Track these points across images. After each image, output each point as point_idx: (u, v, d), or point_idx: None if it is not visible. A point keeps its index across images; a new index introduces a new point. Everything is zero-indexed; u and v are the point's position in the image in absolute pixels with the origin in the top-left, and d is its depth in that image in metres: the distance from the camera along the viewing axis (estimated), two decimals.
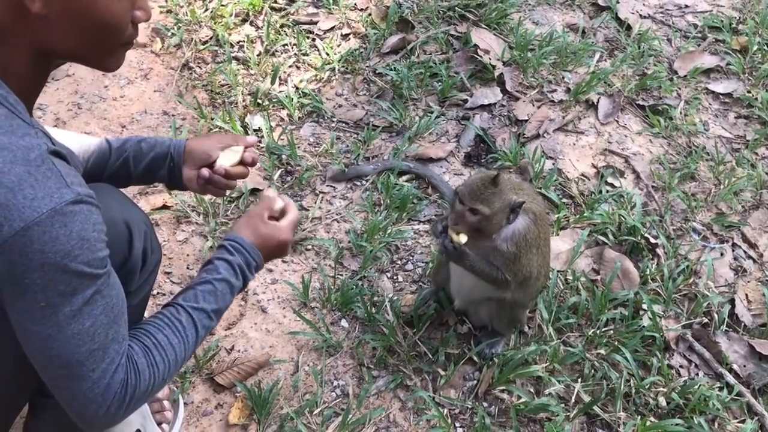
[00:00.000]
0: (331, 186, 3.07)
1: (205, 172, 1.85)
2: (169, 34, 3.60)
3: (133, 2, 1.42)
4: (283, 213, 1.84)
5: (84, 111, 3.25)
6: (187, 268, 2.70)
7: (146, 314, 2.43)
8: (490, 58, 3.57)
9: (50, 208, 1.25)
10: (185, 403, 2.33)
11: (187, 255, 2.75)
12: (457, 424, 2.36)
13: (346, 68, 3.56)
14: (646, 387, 2.45)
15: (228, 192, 2.09)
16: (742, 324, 2.71)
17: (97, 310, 1.36)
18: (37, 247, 1.25)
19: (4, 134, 1.28)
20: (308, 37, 3.69)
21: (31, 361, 1.40)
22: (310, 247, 2.81)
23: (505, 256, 2.19)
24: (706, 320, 2.71)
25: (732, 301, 2.76)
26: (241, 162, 1.88)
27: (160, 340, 1.52)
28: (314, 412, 2.33)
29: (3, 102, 1.31)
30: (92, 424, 1.43)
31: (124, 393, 1.43)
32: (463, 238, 2.14)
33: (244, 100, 3.35)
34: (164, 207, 2.88)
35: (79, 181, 1.34)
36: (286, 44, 3.63)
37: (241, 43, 3.62)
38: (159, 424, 2.20)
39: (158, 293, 2.61)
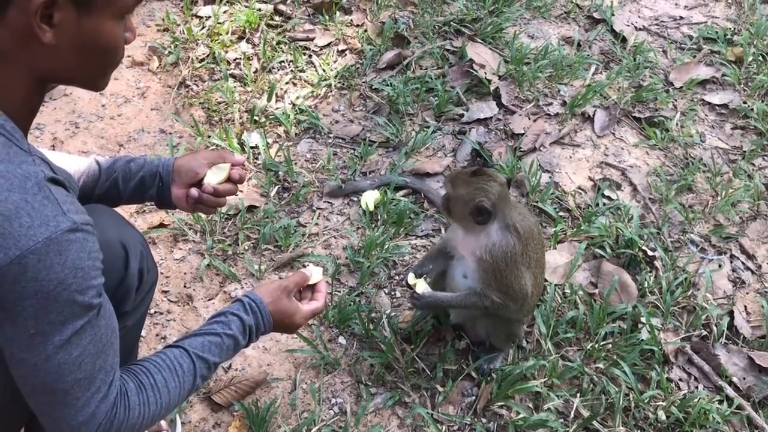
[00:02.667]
0: (328, 202, 3.07)
1: (195, 192, 1.85)
2: (166, 52, 3.62)
3: (124, 25, 1.43)
4: (311, 289, 1.88)
5: (81, 130, 3.26)
6: (184, 286, 2.70)
7: (143, 333, 2.44)
8: (485, 73, 3.59)
9: (46, 236, 1.25)
10: (182, 423, 2.32)
11: (185, 273, 2.74)
12: None
13: (343, 84, 3.58)
14: (646, 401, 2.43)
15: (218, 209, 2.10)
16: (742, 336, 2.70)
17: (86, 340, 1.35)
18: (31, 275, 1.25)
19: (1, 162, 1.28)
20: (304, 54, 3.70)
21: (17, 384, 1.39)
22: (307, 263, 2.81)
23: (484, 268, 2.19)
24: (705, 333, 2.70)
25: (731, 313, 2.75)
26: (229, 179, 1.88)
27: (157, 381, 1.51)
28: (312, 431, 2.32)
29: (0, 130, 1.32)
30: None
31: (109, 426, 1.42)
32: (420, 286, 2.27)
33: (240, 118, 3.36)
34: (161, 225, 2.88)
35: (76, 208, 1.34)
36: (283, 61, 3.65)
37: (237, 60, 3.63)
38: None
39: (155, 312, 2.61)
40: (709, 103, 3.68)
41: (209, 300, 2.66)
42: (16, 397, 1.44)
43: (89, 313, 1.35)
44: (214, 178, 1.86)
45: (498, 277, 2.18)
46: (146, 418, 1.49)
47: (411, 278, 2.37)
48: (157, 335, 2.55)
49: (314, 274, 1.87)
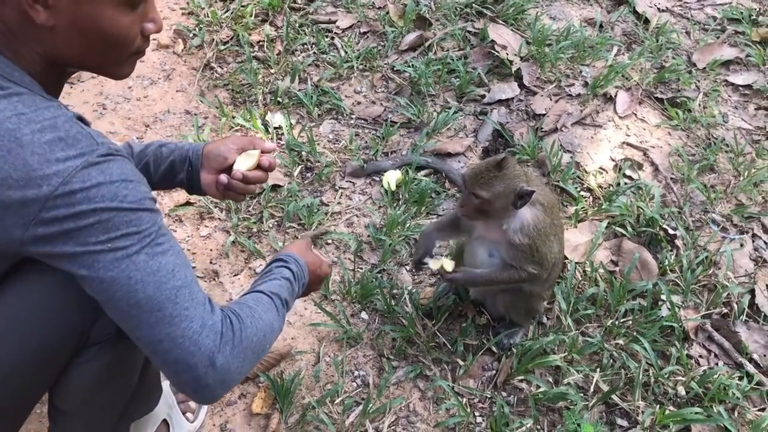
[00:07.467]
0: (351, 181, 3.11)
1: (224, 178, 1.85)
2: (191, 35, 3.68)
3: (144, 15, 1.45)
4: None
5: (109, 111, 3.33)
6: (210, 262, 2.76)
7: None
8: (507, 54, 3.60)
9: (84, 160, 1.30)
10: None
11: (211, 250, 2.80)
12: (476, 413, 2.39)
13: (365, 66, 3.61)
14: (665, 376, 2.45)
15: (247, 196, 2.12)
16: (762, 314, 2.69)
17: (166, 246, 1.36)
18: (81, 196, 1.28)
19: (28, 108, 1.32)
20: (327, 36, 3.74)
21: (121, 326, 1.38)
22: (330, 241, 2.86)
23: (520, 249, 2.20)
24: (725, 310, 2.70)
25: (752, 292, 2.75)
26: (259, 166, 1.88)
27: (250, 305, 1.52)
28: (335, 402, 2.37)
29: (20, 83, 1.36)
30: (208, 375, 1.37)
31: (231, 333, 1.40)
32: (448, 265, 2.22)
33: (264, 99, 3.41)
34: (187, 203, 2.94)
35: (109, 141, 1.38)
36: (306, 43, 3.68)
37: (261, 42, 3.68)
38: (183, 413, 2.26)
39: None
40: (732, 84, 3.66)
41: (235, 276, 2.72)
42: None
43: (155, 218, 1.36)
44: (243, 164, 1.86)
45: (534, 253, 2.20)
46: (258, 333, 1.47)
47: (433, 263, 2.26)
48: None
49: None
